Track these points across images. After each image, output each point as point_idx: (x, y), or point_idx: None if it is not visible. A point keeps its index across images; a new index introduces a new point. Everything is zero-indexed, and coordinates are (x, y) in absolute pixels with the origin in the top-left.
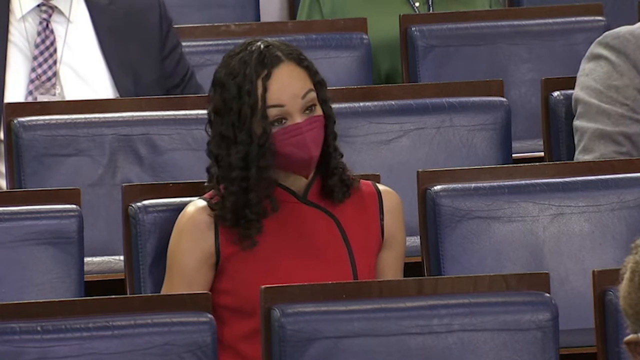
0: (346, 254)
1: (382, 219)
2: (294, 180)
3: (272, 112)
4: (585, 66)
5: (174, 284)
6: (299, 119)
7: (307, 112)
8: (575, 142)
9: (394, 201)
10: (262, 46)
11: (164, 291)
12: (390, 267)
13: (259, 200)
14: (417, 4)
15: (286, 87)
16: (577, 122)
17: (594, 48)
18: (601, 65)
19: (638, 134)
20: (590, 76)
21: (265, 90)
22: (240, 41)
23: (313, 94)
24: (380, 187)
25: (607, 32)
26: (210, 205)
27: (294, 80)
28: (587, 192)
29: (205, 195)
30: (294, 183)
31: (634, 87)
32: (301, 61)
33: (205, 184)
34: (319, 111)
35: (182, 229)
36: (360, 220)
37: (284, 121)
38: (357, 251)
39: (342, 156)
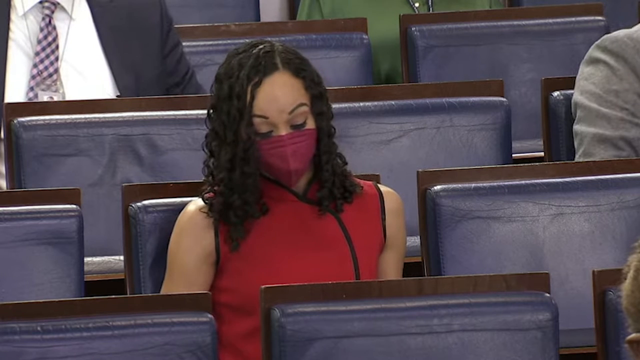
0: (348, 251)
1: (384, 220)
2: (289, 175)
3: (257, 121)
4: (584, 70)
5: (174, 283)
6: (283, 131)
7: (297, 125)
8: (575, 146)
9: (396, 202)
10: (262, 51)
11: (164, 290)
12: (391, 269)
13: (243, 203)
14: (417, 4)
15: (273, 100)
16: (576, 127)
17: (593, 52)
18: (600, 70)
19: (638, 138)
20: (589, 80)
21: (253, 98)
22: (240, 41)
23: (304, 108)
24: (382, 187)
25: (605, 36)
26: (203, 199)
27: (284, 93)
28: (587, 192)
29: (208, 195)
30: (289, 179)
31: (633, 91)
32: (299, 72)
33: (203, 179)
34: (310, 124)
35: (183, 228)
36: (362, 220)
37: (271, 132)
38: (359, 249)
39: (346, 164)
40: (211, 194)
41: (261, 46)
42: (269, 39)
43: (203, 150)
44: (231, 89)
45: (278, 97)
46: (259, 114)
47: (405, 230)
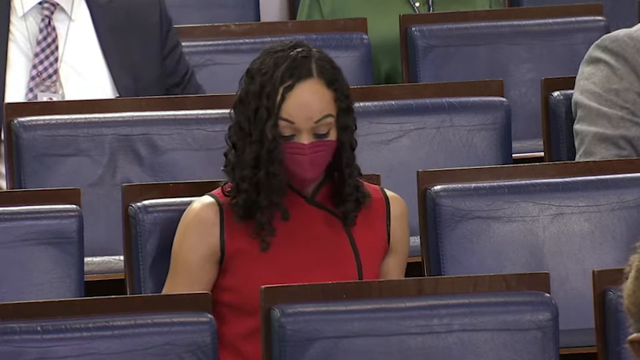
0: (352, 256)
1: (388, 225)
2: (302, 181)
3: (282, 124)
4: (584, 69)
5: (178, 280)
6: (305, 139)
7: (320, 135)
8: (576, 146)
9: (401, 207)
10: (300, 54)
11: (167, 287)
12: (393, 272)
13: (270, 203)
14: (417, 4)
15: (303, 107)
16: (577, 126)
17: (593, 51)
18: (600, 69)
19: (638, 138)
20: (589, 80)
21: (283, 100)
22: (240, 41)
23: (330, 120)
24: (388, 193)
25: (605, 36)
26: (225, 192)
27: (314, 101)
28: (587, 192)
29: (214, 192)
30: (303, 184)
31: (633, 91)
32: (332, 82)
33: (222, 168)
34: (332, 136)
35: (188, 225)
36: (367, 225)
37: (293, 137)
38: (363, 254)
39: (360, 175)
40: (230, 186)
41: (299, 49)
42: (269, 39)
43: (226, 141)
44: (262, 87)
45: (307, 105)
46: (285, 118)
47: (409, 235)
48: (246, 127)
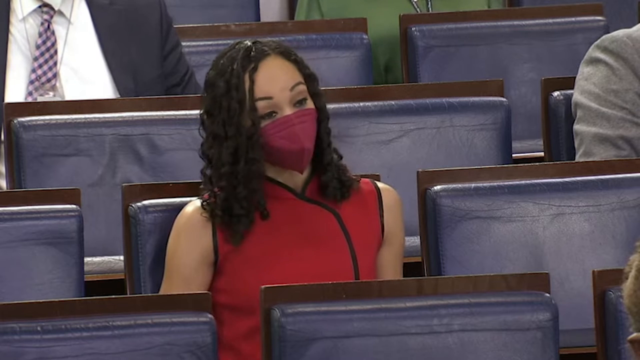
0: (347, 248)
1: (382, 216)
2: (290, 177)
3: (261, 105)
4: (584, 70)
5: (173, 284)
6: (288, 111)
7: (298, 105)
8: (576, 146)
9: (393, 198)
10: (249, 43)
11: (163, 291)
12: (390, 264)
13: (248, 194)
14: (415, 0)
15: (274, 79)
16: (577, 126)
17: (592, 52)
18: (600, 69)
19: (638, 138)
20: (589, 80)
21: (252, 82)
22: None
23: (303, 87)
24: (380, 184)
25: (604, 36)
26: (203, 205)
27: (282, 73)
28: (587, 192)
29: (205, 196)
30: (290, 180)
31: (633, 91)
32: (289, 55)
33: (201, 186)
34: (310, 104)
35: (180, 229)
36: (361, 217)
37: (274, 114)
38: (357, 246)
39: (341, 158)
40: (211, 199)
41: (245, 42)
42: (269, 39)
43: (201, 158)
44: (228, 84)
45: (278, 76)
46: (262, 96)
47: (404, 226)
48: (221, 131)
